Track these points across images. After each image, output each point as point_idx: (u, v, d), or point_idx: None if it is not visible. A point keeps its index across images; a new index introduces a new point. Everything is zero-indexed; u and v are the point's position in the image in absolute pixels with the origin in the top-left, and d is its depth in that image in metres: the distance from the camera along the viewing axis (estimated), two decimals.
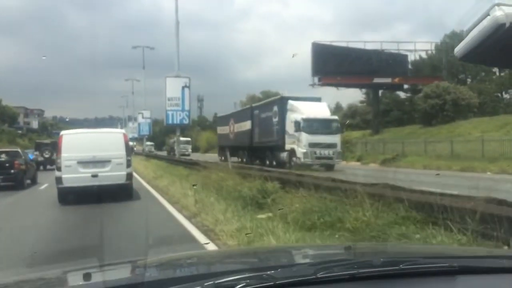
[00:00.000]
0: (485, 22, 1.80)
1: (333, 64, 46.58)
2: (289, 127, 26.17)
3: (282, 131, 26.48)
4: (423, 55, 53.45)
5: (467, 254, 2.29)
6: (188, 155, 54.48)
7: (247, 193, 9.29)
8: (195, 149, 73.58)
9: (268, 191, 9.14)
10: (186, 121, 29.66)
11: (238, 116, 38.08)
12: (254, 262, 2.25)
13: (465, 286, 1.64)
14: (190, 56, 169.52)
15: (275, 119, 27.94)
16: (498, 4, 1.86)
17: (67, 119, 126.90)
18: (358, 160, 35.00)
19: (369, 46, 48.70)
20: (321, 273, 1.55)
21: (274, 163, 26.75)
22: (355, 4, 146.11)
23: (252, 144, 32.23)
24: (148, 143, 78.37)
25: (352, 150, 38.87)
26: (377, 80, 46.13)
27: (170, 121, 29.11)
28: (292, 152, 25.60)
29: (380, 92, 51.93)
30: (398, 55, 49.37)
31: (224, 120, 42.86)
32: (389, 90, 53.00)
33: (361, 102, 65.77)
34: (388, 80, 46.63)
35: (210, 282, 1.45)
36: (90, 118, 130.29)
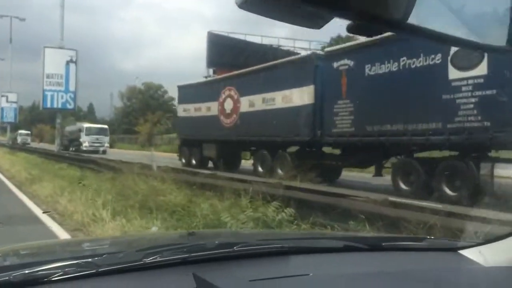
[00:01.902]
0: None
1: (229, 56, 43.15)
2: None
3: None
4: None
5: (300, 236, 2.55)
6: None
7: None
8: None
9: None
10: (70, 105, 23.17)
11: (260, 77, 17.53)
12: (79, 250, 2.03)
13: (295, 264, 1.62)
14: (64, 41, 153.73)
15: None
16: None
17: None
18: None
19: (265, 41, 46.00)
20: (150, 258, 1.42)
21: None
22: (232, 2, 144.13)
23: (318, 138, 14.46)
24: (23, 131, 68.89)
25: None
26: None
27: (48, 104, 22.49)
28: None
29: None
30: (292, 53, 47.61)
31: (201, 91, 21.92)
32: None
33: None
34: None
35: (19, 273, 1.28)
36: None
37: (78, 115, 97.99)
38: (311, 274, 1.48)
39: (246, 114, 17.53)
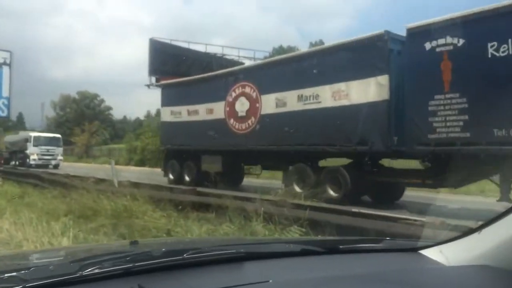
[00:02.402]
0: None
1: (172, 64, 41.66)
2: None
3: None
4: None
5: (256, 241, 2.38)
6: (57, 166, 51.29)
7: None
8: None
9: None
10: (3, 113, 20.66)
11: (292, 68, 13.70)
12: (5, 264, 1.69)
13: (251, 271, 1.53)
14: None
15: None
16: None
17: None
18: None
19: (210, 49, 44.91)
20: (87, 270, 1.28)
21: None
22: (174, 12, 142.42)
23: (395, 147, 10.93)
24: None
25: None
26: None
27: None
28: None
29: None
30: (237, 62, 46.89)
31: (198, 89, 17.27)
32: None
33: None
34: None
35: None
36: None
37: (6, 125, 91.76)
38: (270, 281, 1.37)
39: (271, 117, 13.56)
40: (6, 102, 20.29)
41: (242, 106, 14.67)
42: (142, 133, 40.55)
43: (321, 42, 56.67)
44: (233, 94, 15.06)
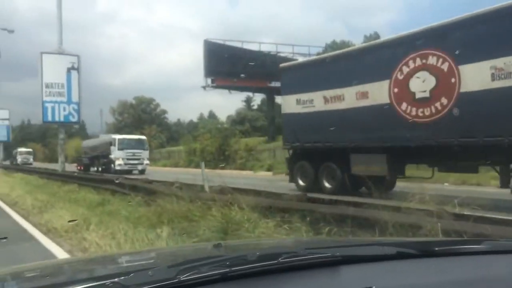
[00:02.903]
0: None
1: (226, 65, 41.33)
2: None
3: None
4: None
5: (349, 243, 2.22)
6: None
7: None
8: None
9: None
10: (74, 118, 20.19)
11: None
12: (103, 269, 1.78)
13: (349, 275, 1.47)
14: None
15: None
16: None
17: None
18: (269, 169, 29.84)
19: (263, 48, 44.25)
20: (185, 275, 1.27)
21: None
22: (221, 16, 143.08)
23: None
24: (23, 149, 64.69)
25: (258, 159, 33.77)
26: (275, 83, 41.85)
27: (49, 117, 19.35)
28: None
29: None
30: (290, 59, 45.89)
31: (338, 68, 13.22)
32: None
33: (245, 107, 62.20)
34: None
35: None
36: None
37: (70, 131, 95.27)
38: (374, 287, 1.30)
39: (481, 96, 9.51)
40: (76, 107, 19.90)
41: (422, 84, 10.71)
42: (199, 135, 40.38)
43: (376, 35, 54.59)
44: (405, 69, 11.02)
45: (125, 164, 30.54)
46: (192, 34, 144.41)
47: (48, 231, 7.88)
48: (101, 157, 32.83)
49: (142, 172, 30.13)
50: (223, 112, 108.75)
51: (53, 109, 18.97)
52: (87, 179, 13.87)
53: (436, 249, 1.69)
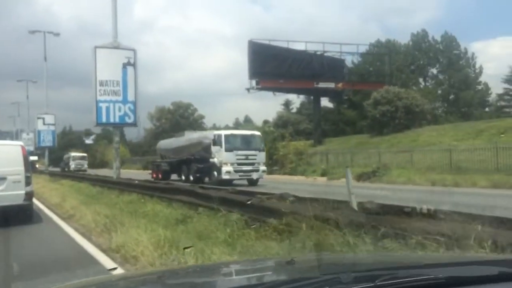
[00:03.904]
0: None
1: (272, 65, 39.21)
2: None
3: None
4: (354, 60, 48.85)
5: (452, 261, 2.02)
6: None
7: None
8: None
9: None
10: (130, 119, 17.69)
11: None
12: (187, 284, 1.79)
13: None
14: (87, 66, 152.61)
15: None
16: None
17: None
18: (323, 175, 27.50)
19: (310, 47, 41.90)
20: None
21: None
22: (255, 21, 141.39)
23: None
24: (76, 153, 59.40)
25: (309, 163, 31.50)
26: (322, 84, 39.52)
27: (103, 119, 17.20)
28: None
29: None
30: (338, 59, 43.45)
31: None
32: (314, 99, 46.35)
33: (285, 110, 60.21)
34: (331, 85, 40.29)
35: None
36: None
37: (110, 137, 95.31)
38: None
39: None
40: (132, 107, 17.59)
41: None
42: None
43: (424, 32, 51.55)
44: None
45: (236, 171, 20.84)
46: (226, 40, 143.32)
47: (125, 261, 5.85)
48: (193, 161, 24.00)
49: (254, 182, 21.48)
50: (258, 117, 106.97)
51: (107, 109, 16.93)
52: (150, 187, 11.80)
53: None
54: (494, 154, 21.32)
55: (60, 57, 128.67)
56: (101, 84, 16.78)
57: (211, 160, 21.89)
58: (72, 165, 53.34)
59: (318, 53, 41.71)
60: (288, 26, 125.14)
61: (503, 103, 48.49)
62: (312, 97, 44.98)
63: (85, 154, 60.44)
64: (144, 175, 27.94)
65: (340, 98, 45.65)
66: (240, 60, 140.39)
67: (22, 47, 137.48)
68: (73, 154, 58.41)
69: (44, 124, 40.89)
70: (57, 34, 32.69)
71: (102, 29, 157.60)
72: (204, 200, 7.89)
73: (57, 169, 50.77)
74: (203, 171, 22.97)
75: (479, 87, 49.68)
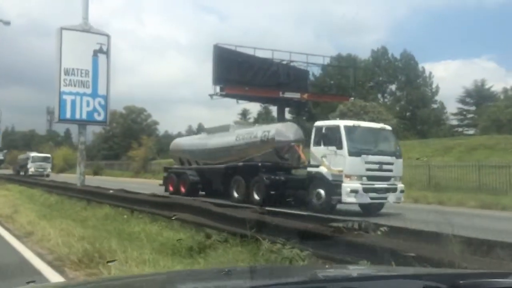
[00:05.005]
0: None
1: (237, 72, 37.28)
2: None
3: None
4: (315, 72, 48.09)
5: (374, 274, 2.04)
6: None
7: None
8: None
9: None
10: (100, 116, 14.75)
11: None
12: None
13: None
14: (33, 66, 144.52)
15: None
16: None
17: None
18: None
19: (276, 55, 40.37)
20: None
21: None
22: (210, 30, 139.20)
23: None
24: (37, 154, 48.64)
25: None
26: (288, 94, 38.06)
27: (67, 115, 14.13)
28: None
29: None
30: (301, 70, 42.30)
31: None
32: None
33: (242, 119, 58.85)
34: (297, 95, 38.95)
35: None
36: None
37: (56, 140, 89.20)
38: None
39: None
40: (103, 102, 14.53)
41: None
42: None
43: (384, 49, 51.69)
44: None
45: (366, 190, 12.54)
46: (181, 47, 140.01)
47: None
48: (260, 170, 15.16)
49: (372, 209, 13.18)
50: (211, 125, 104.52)
51: (73, 103, 13.86)
52: (125, 199, 9.42)
53: (462, 282, 1.53)
54: (475, 171, 20.53)
55: (5, 54, 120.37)
56: (66, 72, 13.82)
57: (311, 169, 13.44)
58: (31, 168, 43.90)
59: (284, 62, 40.32)
60: (243, 37, 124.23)
61: (455, 123, 49.37)
62: (276, 107, 43.40)
63: (48, 155, 50.06)
64: (108, 181, 23.50)
65: (304, 109, 44.55)
66: (194, 68, 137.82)
67: None
68: (32, 154, 47.93)
69: None
70: (7, 23, 29.08)
71: (51, 27, 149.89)
72: (218, 218, 5.78)
73: (5, 172, 43.71)
74: (286, 186, 14.35)
75: (435, 106, 50.28)
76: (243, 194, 15.03)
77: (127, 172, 46.49)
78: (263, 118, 58.93)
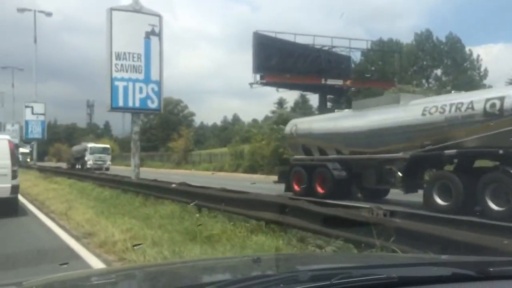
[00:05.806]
0: None
1: (277, 59, 35.97)
2: None
3: None
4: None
5: (408, 262, 2.01)
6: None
7: None
8: None
9: None
10: (153, 104, 13.63)
11: None
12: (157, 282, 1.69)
13: None
14: (69, 60, 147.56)
15: None
16: None
17: None
18: None
19: (318, 41, 38.79)
20: None
21: None
22: (242, 21, 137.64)
23: None
24: (95, 145, 42.16)
25: None
26: (330, 81, 36.52)
27: (119, 103, 13.02)
28: None
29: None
30: (343, 56, 40.58)
31: None
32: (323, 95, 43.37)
33: (279, 108, 57.39)
34: (339, 82, 37.35)
35: None
36: None
37: (96, 132, 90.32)
38: None
39: None
40: (156, 88, 13.34)
41: None
42: (249, 136, 34.99)
43: (428, 32, 49.09)
44: None
45: None
46: (212, 39, 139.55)
47: None
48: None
49: None
50: (244, 115, 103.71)
51: (125, 89, 12.81)
52: (190, 193, 8.34)
53: (492, 270, 1.49)
54: None
55: (46, 50, 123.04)
56: (118, 57, 12.78)
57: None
58: (90, 161, 37.91)
59: (325, 48, 38.69)
60: (275, 27, 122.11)
61: None
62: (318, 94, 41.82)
63: (108, 146, 43.92)
64: (151, 173, 21.63)
65: (345, 96, 42.82)
66: (226, 60, 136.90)
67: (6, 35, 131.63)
68: (91, 145, 41.05)
69: (32, 113, 35.46)
70: (49, 14, 28.38)
71: (86, 23, 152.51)
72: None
73: (47, 165, 41.62)
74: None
75: None
76: (461, 201, 9.30)
77: (167, 164, 46.06)
78: (300, 107, 57.38)
